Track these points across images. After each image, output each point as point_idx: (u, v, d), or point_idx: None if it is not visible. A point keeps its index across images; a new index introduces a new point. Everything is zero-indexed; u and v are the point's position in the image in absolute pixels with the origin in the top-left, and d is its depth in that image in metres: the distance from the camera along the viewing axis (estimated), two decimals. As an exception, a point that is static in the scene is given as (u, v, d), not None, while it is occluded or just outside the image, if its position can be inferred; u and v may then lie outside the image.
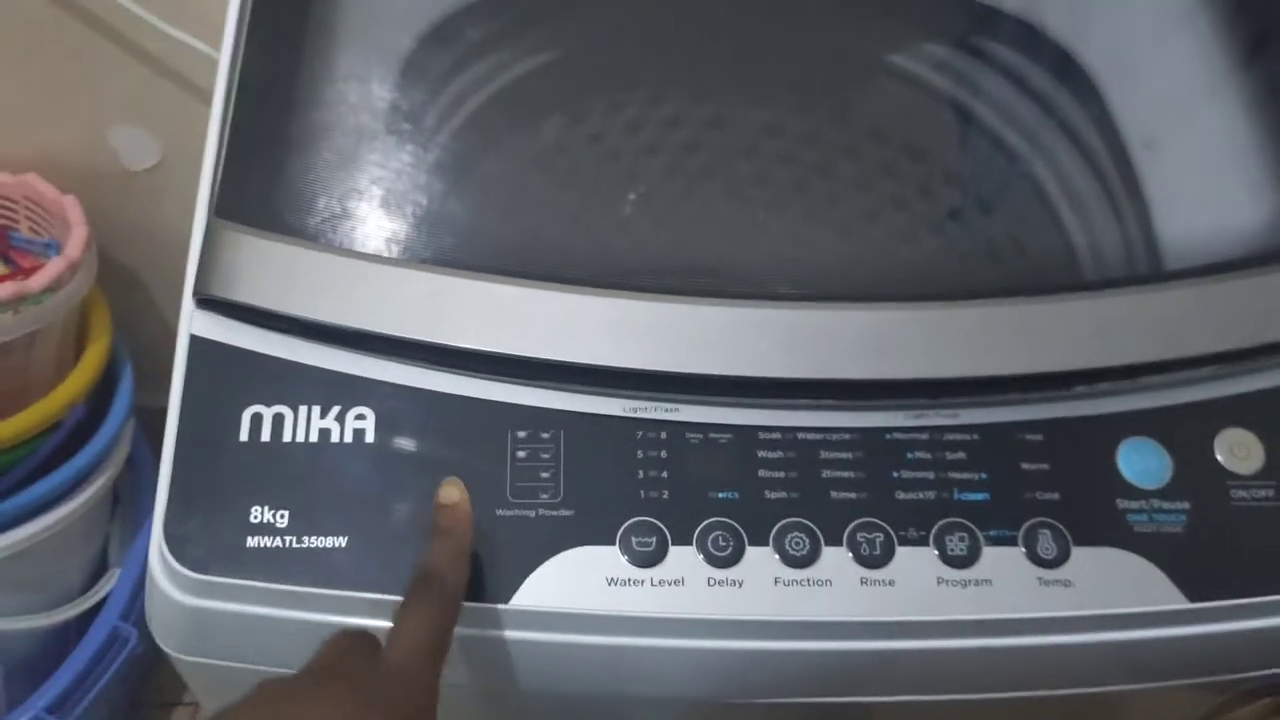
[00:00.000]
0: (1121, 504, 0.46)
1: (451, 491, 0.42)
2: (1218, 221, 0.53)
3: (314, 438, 0.44)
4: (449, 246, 0.49)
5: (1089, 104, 0.62)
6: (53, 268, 0.90)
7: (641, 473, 0.45)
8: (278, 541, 0.43)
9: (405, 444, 0.44)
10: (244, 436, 0.44)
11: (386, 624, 0.40)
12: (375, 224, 0.48)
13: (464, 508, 0.42)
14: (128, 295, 1.08)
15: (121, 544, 1.06)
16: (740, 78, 0.61)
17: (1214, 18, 0.58)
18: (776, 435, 0.46)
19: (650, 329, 0.45)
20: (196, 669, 0.46)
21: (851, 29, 0.70)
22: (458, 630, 0.41)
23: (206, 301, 0.45)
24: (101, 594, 1.00)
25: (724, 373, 0.45)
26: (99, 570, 1.04)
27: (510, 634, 0.43)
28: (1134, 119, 0.58)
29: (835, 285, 0.48)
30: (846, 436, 0.46)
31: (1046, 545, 0.45)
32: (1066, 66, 0.64)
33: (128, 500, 1.08)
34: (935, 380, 0.45)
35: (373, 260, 0.46)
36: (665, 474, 0.45)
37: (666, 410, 0.46)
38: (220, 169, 0.48)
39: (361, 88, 0.52)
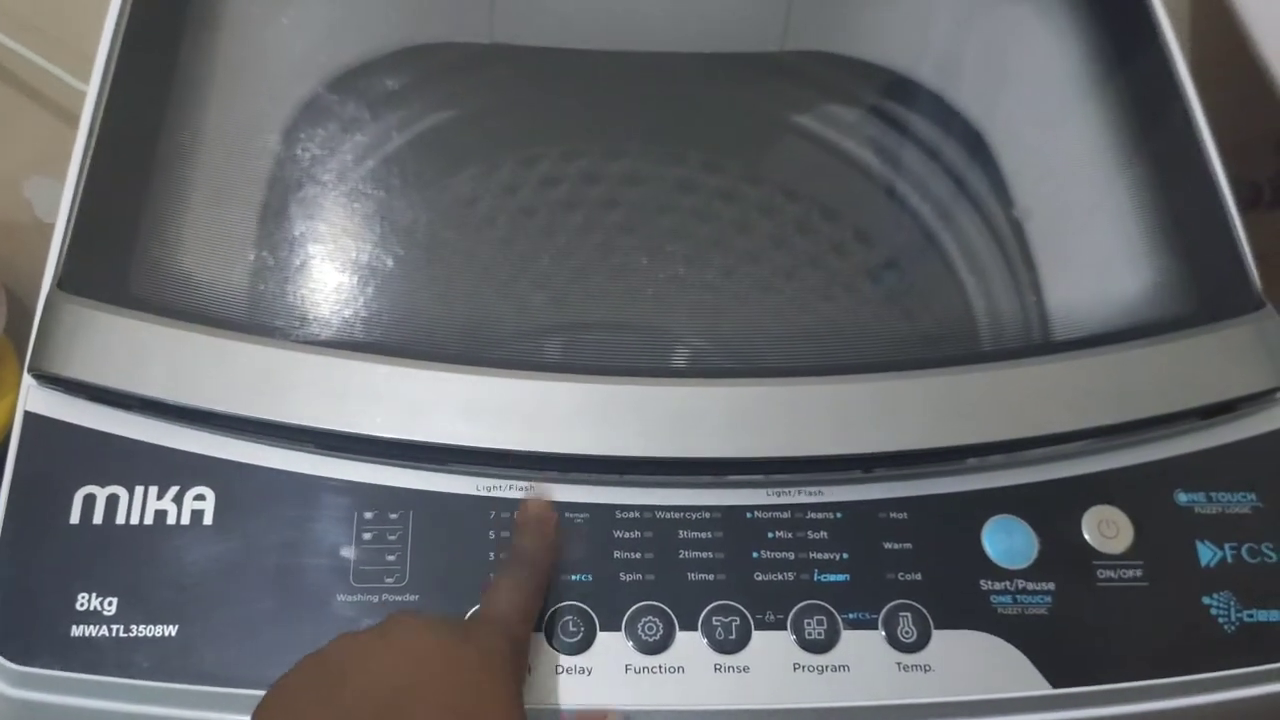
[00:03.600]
0: (985, 585, 0.45)
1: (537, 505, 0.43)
2: (1095, 293, 0.53)
3: (149, 520, 0.43)
4: (296, 321, 0.48)
5: (988, 175, 0.62)
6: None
7: (493, 555, 0.44)
8: (104, 630, 0.41)
9: (246, 525, 0.43)
10: (75, 519, 0.43)
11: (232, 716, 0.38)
12: (219, 297, 0.47)
13: (549, 511, 0.43)
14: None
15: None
16: (609, 151, 0.60)
17: (1102, 101, 0.58)
18: (634, 514, 0.45)
19: (504, 406, 0.44)
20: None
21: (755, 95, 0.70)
22: None
23: (44, 377, 0.44)
24: None
25: (580, 452, 0.43)
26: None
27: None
28: (1023, 191, 0.58)
29: (694, 361, 0.47)
30: (706, 515, 0.45)
31: (907, 628, 0.43)
32: (969, 137, 0.64)
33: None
34: (796, 459, 0.44)
35: (215, 335, 0.44)
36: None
37: (521, 490, 0.45)
38: (67, 238, 0.46)
39: (217, 155, 0.51)
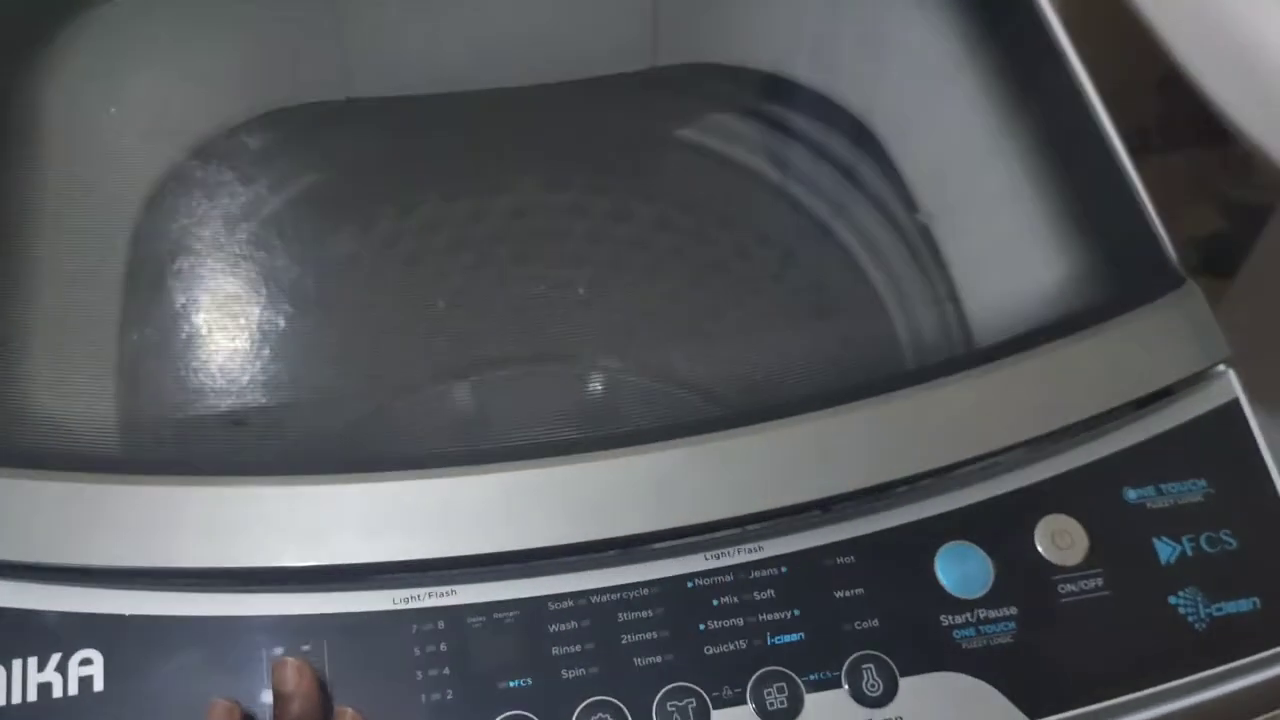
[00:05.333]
0: (945, 620, 0.42)
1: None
2: (1013, 291, 0.51)
3: (32, 696, 0.38)
4: (168, 451, 0.44)
5: (886, 174, 0.60)
6: None
7: (420, 673, 0.40)
8: None
9: (144, 685, 0.39)
10: (-27, 705, 0.38)
11: None
12: (77, 437, 0.43)
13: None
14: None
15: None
16: (486, 189, 0.57)
17: (987, 83, 0.56)
18: (568, 603, 0.41)
19: (407, 513, 0.40)
20: None
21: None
22: None
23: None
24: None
25: (496, 549, 0.40)
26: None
27: None
28: (923, 189, 0.56)
29: (605, 434, 0.44)
30: (645, 592, 0.42)
31: (871, 681, 0.41)
32: (859, 133, 0.62)
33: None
34: (725, 520, 0.41)
35: (78, 480, 0.40)
36: (447, 670, 0.40)
37: (441, 595, 0.41)
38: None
39: (55, 284, 0.46)
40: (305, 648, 0.40)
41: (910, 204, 0.57)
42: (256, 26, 0.59)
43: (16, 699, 0.38)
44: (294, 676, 0.38)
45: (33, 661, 0.39)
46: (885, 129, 0.61)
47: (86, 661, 0.39)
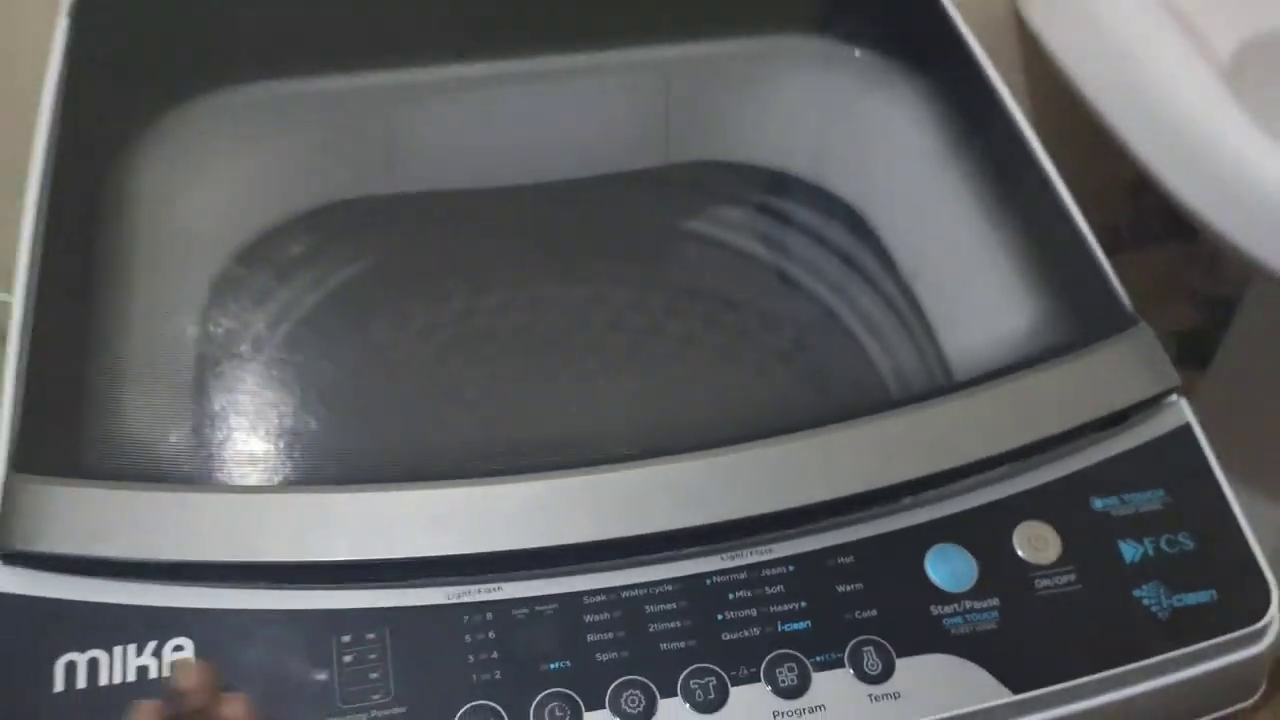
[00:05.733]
0: (936, 610, 0.47)
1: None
2: (986, 337, 0.57)
3: (132, 677, 0.44)
4: (249, 468, 0.50)
5: (874, 251, 0.67)
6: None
7: (472, 657, 0.45)
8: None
9: (227, 668, 0.44)
10: (59, 687, 0.43)
11: None
12: (167, 458, 0.49)
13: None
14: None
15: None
16: (517, 279, 0.64)
17: (962, 168, 0.64)
18: (601, 598, 0.47)
19: (463, 514, 0.46)
20: None
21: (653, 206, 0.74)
22: None
23: (9, 557, 0.45)
24: None
25: (539, 545, 0.46)
26: None
27: None
28: (907, 259, 0.63)
29: (639, 446, 0.50)
30: (669, 588, 0.47)
31: (871, 661, 0.46)
32: (850, 218, 0.69)
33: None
34: (743, 520, 0.47)
35: (170, 490, 0.46)
36: (495, 654, 0.45)
37: (490, 591, 0.47)
38: (16, 424, 0.48)
39: (150, 328, 0.53)
40: (370, 635, 0.45)
41: (896, 273, 0.64)
42: (316, 128, 0.67)
43: (118, 679, 0.44)
44: (191, 674, 0.41)
45: (132, 648, 0.44)
46: (873, 212, 0.68)
47: (179, 648, 0.44)
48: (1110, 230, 1.08)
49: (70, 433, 0.48)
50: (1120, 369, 0.53)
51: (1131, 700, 0.48)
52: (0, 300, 0.85)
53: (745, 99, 0.71)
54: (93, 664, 0.44)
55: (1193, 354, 1.08)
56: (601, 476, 0.47)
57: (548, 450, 0.51)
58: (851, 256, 0.67)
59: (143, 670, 0.44)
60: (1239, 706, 0.51)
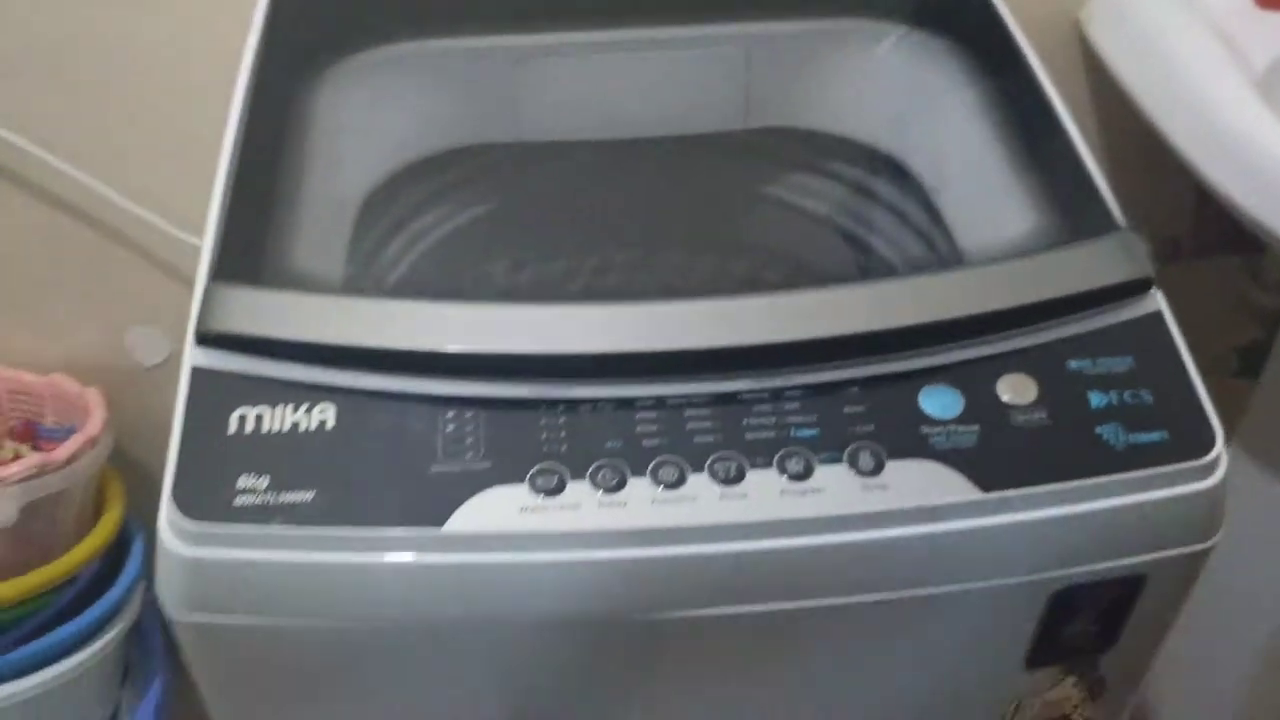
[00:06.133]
0: (924, 430, 0.58)
1: None
2: (996, 240, 0.68)
3: (286, 428, 0.57)
4: (395, 285, 0.64)
5: (913, 192, 0.78)
6: (73, 443, 1.04)
7: (545, 434, 0.57)
8: (259, 499, 0.55)
9: (359, 428, 0.57)
10: (232, 431, 0.57)
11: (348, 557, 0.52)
12: (328, 276, 0.63)
13: None
14: (138, 485, 1.20)
15: (130, 710, 1.14)
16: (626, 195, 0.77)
17: (992, 123, 0.75)
18: (650, 401, 0.58)
19: (546, 326, 0.59)
20: (198, 634, 0.57)
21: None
22: (394, 560, 0.53)
23: (203, 339, 0.59)
24: (110, 753, 1.08)
25: (606, 351, 0.58)
26: (111, 725, 1.11)
27: (441, 557, 0.54)
28: (935, 184, 0.74)
29: (698, 286, 0.61)
30: (705, 398, 0.59)
31: (866, 461, 0.57)
32: (893, 168, 0.81)
33: (136, 671, 1.16)
34: (771, 346, 0.58)
35: (327, 295, 0.60)
36: (563, 434, 0.57)
37: (564, 389, 0.59)
38: (217, 247, 0.63)
39: (319, 202, 0.68)
40: (468, 414, 0.58)
41: (926, 198, 0.75)
42: (452, 80, 0.82)
43: (276, 429, 0.57)
44: None
45: (289, 408, 0.58)
46: (915, 162, 0.79)
47: (324, 410, 0.58)
48: (1170, 242, 1.16)
49: (253, 256, 0.62)
50: (1103, 259, 0.62)
51: (1092, 516, 0.57)
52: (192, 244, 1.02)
53: (815, 72, 0.84)
54: (258, 417, 0.57)
55: (1252, 366, 1.13)
56: (660, 305, 0.59)
57: (628, 282, 0.63)
58: (894, 196, 0.79)
59: (295, 424, 0.57)
60: (1199, 546, 0.60)
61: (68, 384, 1.12)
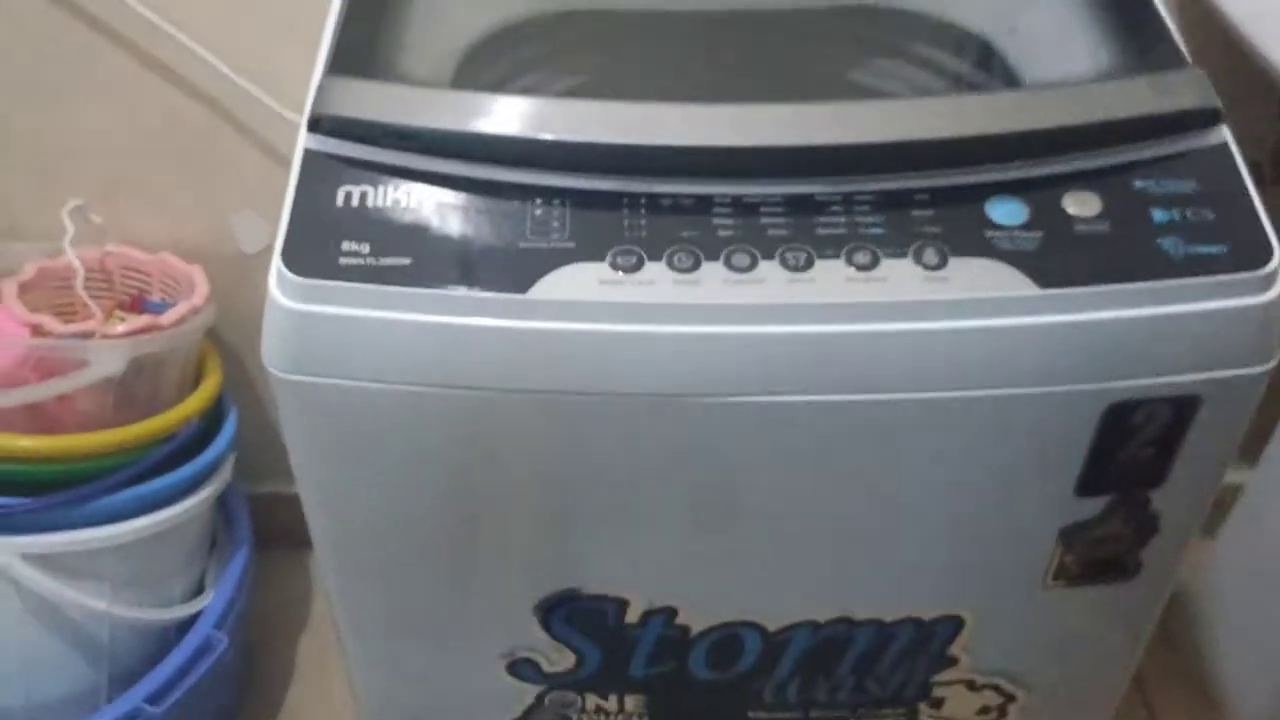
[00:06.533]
0: (988, 234, 0.60)
1: None
2: (1067, 69, 0.70)
3: (388, 204, 0.61)
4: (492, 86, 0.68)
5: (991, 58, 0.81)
6: (181, 308, 1.10)
7: (627, 221, 0.61)
8: (361, 261, 0.59)
9: (453, 208, 0.61)
10: (339, 203, 0.61)
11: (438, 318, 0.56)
12: (427, 75, 0.67)
13: None
14: (232, 365, 1.26)
15: (216, 575, 1.20)
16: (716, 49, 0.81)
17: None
18: (727, 199, 0.62)
19: (635, 120, 0.62)
20: (297, 394, 0.61)
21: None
22: (480, 323, 0.57)
23: (314, 125, 0.64)
24: (199, 607, 1.14)
25: (687, 144, 0.61)
26: (196, 592, 1.17)
27: (525, 323, 0.58)
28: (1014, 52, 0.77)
29: (783, 95, 0.64)
30: (779, 198, 0.62)
31: (930, 256, 0.59)
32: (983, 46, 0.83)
33: (223, 544, 1.23)
34: (846, 147, 0.61)
35: (423, 88, 0.64)
36: (643, 223, 0.61)
37: (645, 184, 0.62)
38: (332, 46, 0.67)
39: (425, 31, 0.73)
40: (555, 200, 0.62)
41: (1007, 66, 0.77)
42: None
43: (380, 204, 0.61)
44: None
45: (391, 186, 0.62)
46: (997, 37, 0.82)
47: (422, 191, 0.62)
48: (1253, 165, 1.16)
49: (361, 54, 0.67)
50: (1174, 89, 0.64)
51: (1148, 323, 0.59)
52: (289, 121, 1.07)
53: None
54: (363, 194, 0.62)
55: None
56: (741, 107, 0.62)
57: (717, 90, 0.66)
58: (971, 58, 0.81)
59: (396, 202, 0.62)
60: (1254, 370, 0.61)
61: (174, 262, 1.19)
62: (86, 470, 1.03)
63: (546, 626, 0.71)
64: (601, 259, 0.59)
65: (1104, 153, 0.63)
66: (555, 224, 0.61)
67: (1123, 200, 0.61)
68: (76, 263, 1.10)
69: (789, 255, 0.59)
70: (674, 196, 0.62)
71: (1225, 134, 0.64)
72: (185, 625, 1.13)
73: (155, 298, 1.20)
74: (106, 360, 1.03)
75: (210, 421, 1.16)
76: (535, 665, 0.74)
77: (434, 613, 0.72)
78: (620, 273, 0.58)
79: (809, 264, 0.59)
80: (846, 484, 0.64)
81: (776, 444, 0.62)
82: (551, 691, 0.76)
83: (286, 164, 1.16)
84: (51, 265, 1.15)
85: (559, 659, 0.73)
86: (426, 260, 0.59)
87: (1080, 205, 0.61)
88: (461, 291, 0.58)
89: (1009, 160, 0.62)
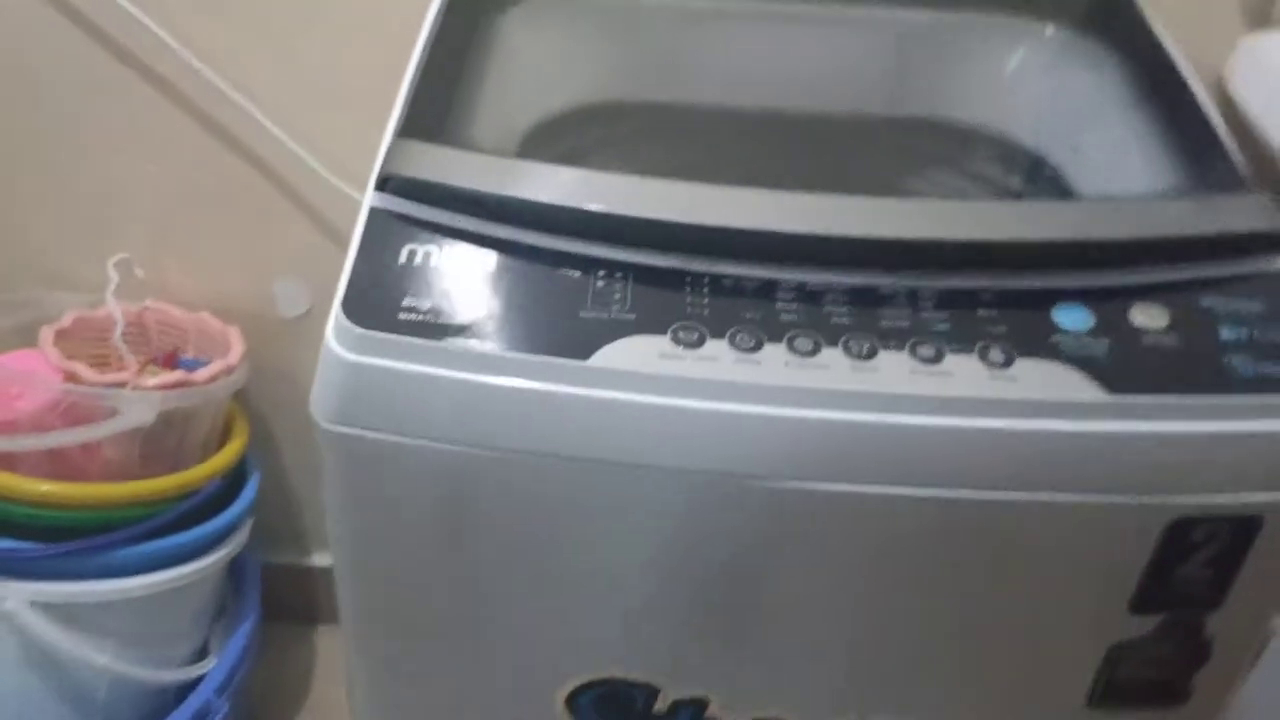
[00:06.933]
0: (1055, 338, 0.60)
1: None
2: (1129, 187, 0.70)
3: (450, 266, 0.61)
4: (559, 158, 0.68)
5: (1049, 176, 0.81)
6: (215, 366, 1.10)
7: (690, 298, 0.60)
8: (421, 318, 0.59)
9: (514, 277, 0.61)
10: (402, 260, 0.61)
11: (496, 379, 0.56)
12: (497, 146, 0.68)
13: None
14: (258, 429, 1.25)
15: (221, 641, 1.17)
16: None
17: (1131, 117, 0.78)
18: (791, 285, 0.61)
19: (701, 201, 0.62)
20: (343, 447, 0.60)
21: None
22: (537, 387, 0.56)
23: (382, 185, 0.64)
24: (202, 671, 1.11)
25: (752, 227, 0.61)
26: (199, 657, 1.15)
27: (583, 390, 0.57)
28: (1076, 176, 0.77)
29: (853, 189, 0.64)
30: (844, 288, 0.61)
31: (996, 355, 0.59)
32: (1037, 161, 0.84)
33: (229, 609, 1.20)
34: (913, 242, 0.61)
35: (491, 158, 0.65)
36: (706, 302, 0.61)
37: (709, 264, 0.62)
38: (405, 110, 0.68)
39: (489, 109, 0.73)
40: (618, 274, 0.61)
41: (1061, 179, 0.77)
42: (618, 33, 0.87)
43: (442, 266, 0.61)
44: None
45: (455, 249, 0.62)
46: (1053, 153, 0.82)
47: (486, 256, 0.62)
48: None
49: (431, 122, 0.68)
50: (1242, 211, 0.64)
51: (1214, 440, 0.58)
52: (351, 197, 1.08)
53: (963, 63, 0.88)
54: (426, 254, 0.62)
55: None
56: (809, 195, 0.62)
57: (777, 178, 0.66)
58: (1030, 179, 0.81)
59: (458, 264, 0.62)
60: (1316, 496, 0.60)
61: (212, 321, 1.19)
62: (104, 520, 1.02)
63: (571, 709, 0.69)
64: (663, 333, 0.58)
65: (1171, 268, 0.63)
66: (617, 296, 0.60)
67: (1190, 316, 0.61)
68: (118, 313, 1.10)
69: (852, 344, 0.59)
70: (737, 278, 0.62)
71: (1292, 257, 0.64)
72: (184, 690, 1.10)
73: (189, 355, 1.20)
74: (136, 411, 1.02)
75: (231, 483, 1.15)
76: (555, 751, 0.71)
77: (457, 690, 0.69)
78: (682, 347, 0.58)
79: (872, 353, 0.58)
80: (892, 584, 0.62)
81: (825, 534, 0.61)
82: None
83: (331, 232, 1.18)
84: (90, 315, 1.16)
85: (581, 745, 0.71)
86: (486, 322, 0.59)
87: (1148, 317, 0.61)
88: (521, 355, 0.57)
89: (1077, 268, 0.62)
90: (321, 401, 0.60)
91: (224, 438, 1.16)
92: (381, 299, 0.59)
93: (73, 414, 1.03)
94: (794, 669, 0.66)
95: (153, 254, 1.18)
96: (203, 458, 1.12)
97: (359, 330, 0.58)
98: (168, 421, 1.06)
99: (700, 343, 0.58)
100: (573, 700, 0.69)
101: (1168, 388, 0.58)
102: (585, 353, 0.57)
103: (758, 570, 0.62)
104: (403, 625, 0.66)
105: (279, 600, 1.27)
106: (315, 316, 1.24)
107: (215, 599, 1.17)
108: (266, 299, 1.22)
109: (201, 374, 1.09)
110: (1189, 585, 0.63)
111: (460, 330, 0.58)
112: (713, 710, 0.69)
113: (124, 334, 1.15)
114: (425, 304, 0.59)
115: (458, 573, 0.64)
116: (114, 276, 1.09)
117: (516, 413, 0.58)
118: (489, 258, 0.62)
